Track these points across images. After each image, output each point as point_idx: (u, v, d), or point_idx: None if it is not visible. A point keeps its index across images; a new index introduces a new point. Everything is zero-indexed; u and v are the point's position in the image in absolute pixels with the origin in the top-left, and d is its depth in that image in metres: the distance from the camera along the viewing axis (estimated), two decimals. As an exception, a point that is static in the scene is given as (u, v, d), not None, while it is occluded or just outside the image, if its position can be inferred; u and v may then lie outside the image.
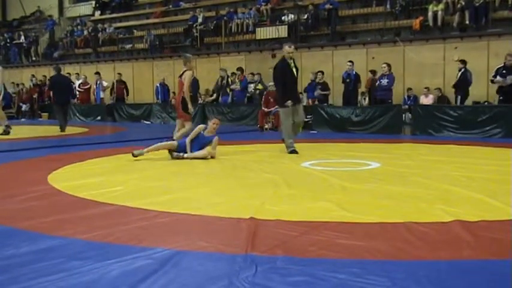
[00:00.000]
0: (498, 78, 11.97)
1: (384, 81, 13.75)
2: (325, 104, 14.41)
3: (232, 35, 19.39)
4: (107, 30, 23.42)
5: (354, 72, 14.46)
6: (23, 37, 26.93)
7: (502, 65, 12.18)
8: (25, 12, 30.13)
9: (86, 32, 24.25)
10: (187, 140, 7.79)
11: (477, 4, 14.31)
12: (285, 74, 8.36)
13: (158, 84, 19.38)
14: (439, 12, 15.03)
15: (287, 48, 8.41)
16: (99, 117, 19.13)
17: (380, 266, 2.95)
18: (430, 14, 15.20)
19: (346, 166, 6.96)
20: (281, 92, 8.58)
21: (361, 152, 8.64)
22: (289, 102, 8.26)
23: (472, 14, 14.37)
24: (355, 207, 4.40)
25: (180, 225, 3.97)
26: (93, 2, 26.80)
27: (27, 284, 2.72)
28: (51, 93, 15.52)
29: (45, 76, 22.02)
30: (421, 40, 15.29)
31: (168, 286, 2.69)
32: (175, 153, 7.73)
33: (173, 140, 8.30)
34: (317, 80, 15.05)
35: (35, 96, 22.19)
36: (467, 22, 14.54)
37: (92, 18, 26.02)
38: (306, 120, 11.10)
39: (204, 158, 7.70)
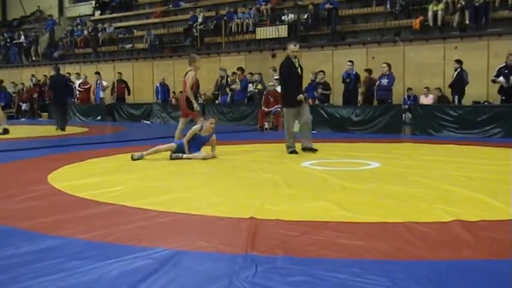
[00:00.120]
0: (501, 78, 11.97)
1: (384, 81, 13.76)
2: (326, 104, 14.40)
3: (232, 34, 19.40)
4: (107, 30, 23.43)
5: (354, 72, 14.45)
6: (23, 37, 26.94)
7: (504, 64, 12.19)
8: (25, 12, 30.14)
9: (86, 32, 24.25)
10: (184, 140, 7.80)
11: (477, 4, 14.31)
12: (290, 73, 8.30)
13: (158, 84, 19.39)
14: (439, 12, 15.03)
15: (292, 47, 8.33)
16: (99, 117, 19.13)
17: (380, 265, 2.95)
18: (430, 13, 15.21)
19: (346, 166, 6.96)
20: (287, 92, 8.46)
21: (361, 151, 8.64)
22: (301, 96, 8.19)
23: (472, 14, 14.37)
24: (355, 207, 4.40)
25: (180, 225, 3.97)
26: (93, 2, 26.80)
27: (27, 283, 2.72)
28: (51, 92, 15.54)
29: (45, 76, 22.02)
30: (421, 40, 15.29)
31: (168, 286, 2.68)
32: (174, 154, 7.74)
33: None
34: (318, 80, 15.05)
35: (35, 96, 22.19)
36: (467, 22, 14.55)
37: (92, 18, 26.03)
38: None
39: (203, 158, 7.71)
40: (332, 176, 5.98)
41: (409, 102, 14.40)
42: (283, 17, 18.11)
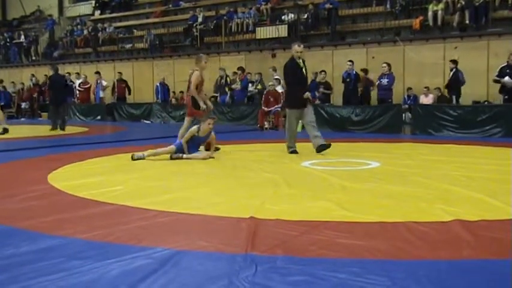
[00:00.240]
0: (506, 78, 11.96)
1: (384, 81, 13.76)
2: (326, 104, 14.41)
3: (232, 34, 19.40)
4: (107, 29, 23.43)
5: (354, 72, 14.46)
6: (23, 36, 26.93)
7: (506, 64, 12.20)
8: (25, 11, 30.14)
9: (85, 32, 24.25)
10: (183, 141, 7.79)
11: (477, 4, 14.30)
12: (294, 74, 8.22)
13: (158, 84, 19.39)
14: (439, 12, 15.03)
15: (296, 48, 8.25)
16: (99, 117, 19.13)
17: (380, 265, 2.95)
18: (430, 13, 15.21)
19: (346, 166, 6.96)
20: (291, 92, 8.42)
21: (361, 151, 8.64)
22: (307, 94, 8.13)
23: (472, 14, 14.37)
24: (355, 206, 4.40)
25: (180, 225, 3.97)
26: (93, 2, 26.81)
27: (27, 283, 2.72)
28: (50, 92, 15.55)
29: (46, 75, 22.04)
30: (421, 40, 15.29)
31: (167, 286, 2.68)
32: (174, 154, 7.74)
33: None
34: (319, 80, 15.05)
35: (35, 95, 22.19)
36: (467, 22, 14.54)
37: (92, 17, 26.03)
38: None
39: (203, 158, 7.72)
40: (332, 176, 5.98)
41: (409, 102, 14.40)
42: (283, 17, 18.11)
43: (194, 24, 20.17)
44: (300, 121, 8.66)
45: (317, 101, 14.81)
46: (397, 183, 5.59)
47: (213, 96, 17.59)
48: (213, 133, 7.99)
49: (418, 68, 14.94)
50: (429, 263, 3.00)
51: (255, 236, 3.51)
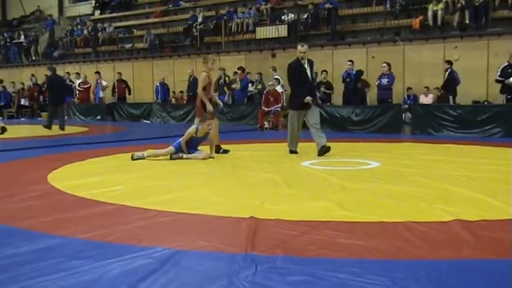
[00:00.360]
0: None
1: (384, 81, 13.76)
2: (327, 104, 14.40)
3: (232, 34, 19.39)
4: (107, 29, 23.42)
5: (354, 72, 14.47)
6: (22, 36, 26.93)
7: (507, 64, 12.22)
8: (25, 11, 30.14)
9: (85, 32, 24.24)
10: (182, 142, 7.78)
11: (477, 3, 14.30)
12: (298, 74, 8.10)
13: (158, 84, 19.39)
14: (439, 12, 15.03)
15: (299, 48, 8.14)
16: (99, 117, 19.13)
17: (380, 265, 2.95)
18: (430, 13, 15.20)
19: (346, 165, 6.96)
20: (293, 93, 8.35)
21: (361, 151, 8.64)
22: (308, 99, 7.96)
23: (472, 14, 14.37)
24: (355, 206, 4.40)
25: (179, 225, 3.97)
26: (93, 2, 26.80)
27: (27, 283, 2.72)
28: (48, 93, 15.56)
29: (46, 75, 22.03)
30: (421, 39, 15.28)
31: (167, 285, 2.68)
32: (174, 154, 7.74)
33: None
34: (321, 79, 15.06)
35: (35, 94, 22.18)
36: (467, 21, 14.54)
37: (92, 17, 26.02)
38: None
39: (203, 158, 7.72)
40: (332, 176, 5.98)
41: (408, 101, 14.40)
42: (283, 17, 18.10)
43: (194, 24, 20.17)
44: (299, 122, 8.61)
45: (319, 101, 14.80)
46: (397, 183, 5.59)
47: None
48: (210, 132, 7.96)
49: (418, 68, 14.94)
50: (429, 262, 3.00)
51: (255, 235, 3.51)
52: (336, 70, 16.06)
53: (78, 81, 20.61)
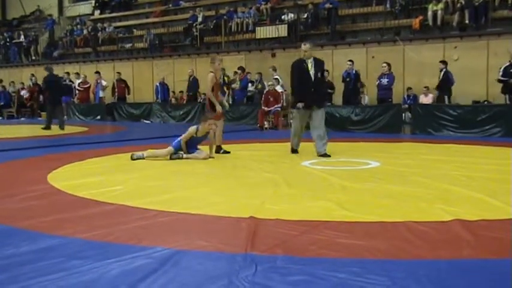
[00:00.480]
0: None
1: (384, 81, 13.76)
2: (328, 104, 14.39)
3: (232, 34, 19.39)
4: (107, 29, 23.42)
5: (354, 72, 14.47)
6: (22, 36, 26.93)
7: (508, 63, 12.22)
8: (25, 11, 30.13)
9: (85, 31, 24.24)
10: (182, 142, 7.78)
11: (477, 3, 14.30)
12: (299, 74, 8.00)
13: (158, 84, 19.38)
14: (439, 12, 15.03)
15: (302, 47, 8.06)
16: (98, 117, 19.13)
17: (380, 265, 2.95)
18: (429, 13, 15.21)
19: (346, 165, 6.96)
20: (293, 93, 8.27)
21: (361, 151, 8.64)
22: (299, 104, 7.86)
23: (471, 14, 14.37)
24: (355, 206, 4.40)
25: (179, 225, 3.97)
26: (93, 1, 26.80)
27: (27, 283, 2.72)
28: (46, 93, 15.56)
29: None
30: (421, 39, 15.28)
31: (167, 285, 2.68)
32: (174, 155, 7.74)
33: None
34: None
35: (35, 94, 22.19)
36: (467, 21, 14.54)
37: (92, 17, 26.02)
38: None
39: (203, 158, 7.72)
40: (332, 176, 5.98)
41: (408, 101, 14.40)
42: (283, 17, 18.10)
43: (194, 24, 20.17)
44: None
45: (325, 104, 14.79)
46: (397, 183, 5.59)
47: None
48: (211, 132, 7.96)
49: (417, 68, 14.94)
50: (429, 262, 3.00)
51: (255, 235, 3.51)
52: (335, 70, 16.05)
53: (78, 81, 20.61)
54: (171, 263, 3.00)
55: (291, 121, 13.32)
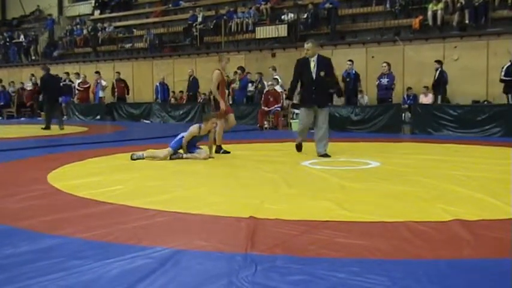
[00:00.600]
0: None
1: (384, 81, 13.77)
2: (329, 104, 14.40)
3: (232, 34, 19.40)
4: (107, 29, 23.43)
5: (354, 72, 14.47)
6: (22, 36, 26.94)
7: (510, 63, 12.23)
8: (25, 11, 30.14)
9: (85, 31, 24.25)
10: (184, 141, 7.77)
11: (477, 3, 14.32)
12: (300, 71, 7.99)
13: (158, 84, 19.39)
14: (439, 12, 15.04)
15: (304, 45, 8.05)
16: (98, 116, 19.13)
17: (380, 265, 2.94)
18: (429, 13, 15.22)
19: (346, 165, 6.96)
20: (289, 90, 8.31)
21: (360, 151, 8.64)
22: (287, 102, 8.00)
23: (471, 14, 14.39)
24: (355, 206, 4.39)
25: (179, 225, 3.97)
26: (93, 1, 26.81)
27: (26, 283, 2.72)
28: (43, 93, 15.57)
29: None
30: (421, 39, 15.30)
31: (167, 285, 2.68)
32: (174, 155, 7.73)
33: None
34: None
35: (35, 94, 22.20)
36: (466, 21, 14.56)
37: (92, 17, 26.04)
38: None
39: (204, 158, 7.71)
40: (332, 176, 5.98)
41: (408, 101, 14.41)
42: (282, 17, 18.11)
43: (194, 24, 20.18)
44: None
45: (327, 103, 14.80)
46: (397, 182, 5.59)
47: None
48: (212, 130, 7.95)
49: (417, 68, 14.95)
50: (429, 262, 3.00)
51: (255, 235, 3.51)
52: (335, 70, 16.01)
53: (77, 81, 20.62)
54: (170, 263, 2.99)
55: (291, 121, 13.43)
